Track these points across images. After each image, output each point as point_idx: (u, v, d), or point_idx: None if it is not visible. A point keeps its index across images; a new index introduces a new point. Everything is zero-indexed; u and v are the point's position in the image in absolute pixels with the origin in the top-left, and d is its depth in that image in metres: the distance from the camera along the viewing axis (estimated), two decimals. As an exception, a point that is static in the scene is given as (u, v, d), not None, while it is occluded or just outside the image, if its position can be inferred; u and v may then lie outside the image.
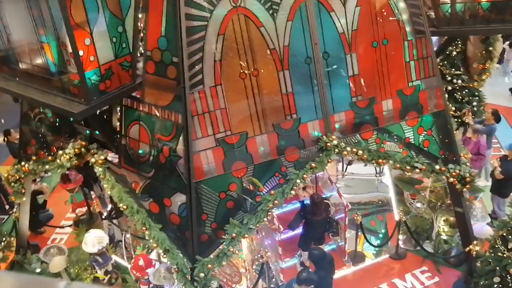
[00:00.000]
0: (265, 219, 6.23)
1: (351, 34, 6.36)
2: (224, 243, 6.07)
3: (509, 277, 6.52)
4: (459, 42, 10.06)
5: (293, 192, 6.32)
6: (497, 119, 9.76)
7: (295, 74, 6.19)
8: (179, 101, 5.81)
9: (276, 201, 6.19)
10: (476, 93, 10.72)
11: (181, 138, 5.90)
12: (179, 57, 5.67)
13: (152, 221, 6.29)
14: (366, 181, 10.11)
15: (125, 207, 6.44)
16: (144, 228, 6.27)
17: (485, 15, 7.14)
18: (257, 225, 6.19)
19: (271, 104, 6.19)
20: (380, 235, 9.24)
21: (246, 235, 6.19)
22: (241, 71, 5.95)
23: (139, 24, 6.32)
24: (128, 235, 8.52)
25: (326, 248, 8.31)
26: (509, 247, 6.52)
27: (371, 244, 8.51)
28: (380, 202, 9.86)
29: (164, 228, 6.27)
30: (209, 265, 5.97)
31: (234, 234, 6.03)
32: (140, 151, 6.54)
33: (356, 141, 6.75)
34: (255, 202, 6.21)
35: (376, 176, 10.07)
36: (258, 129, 6.17)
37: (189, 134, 5.74)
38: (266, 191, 6.27)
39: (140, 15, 6.26)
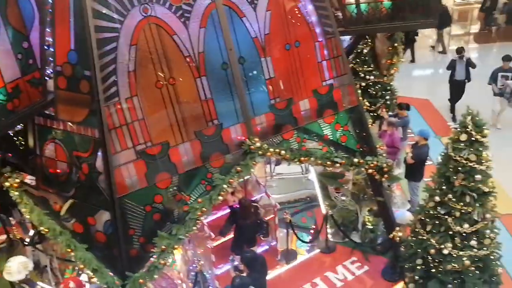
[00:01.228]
0: (194, 227, 6.19)
1: (264, 38, 6.50)
2: (154, 256, 5.96)
3: (430, 258, 6.96)
4: (368, 40, 10.60)
5: (220, 198, 6.33)
6: (407, 109, 10.40)
7: (212, 80, 6.22)
8: (94, 115, 5.63)
9: (204, 209, 6.17)
10: (388, 88, 11.36)
11: (99, 153, 5.73)
12: (91, 70, 5.50)
13: (77, 241, 6.05)
14: (294, 180, 10.37)
15: (46, 230, 6.14)
16: (69, 250, 6.02)
17: (388, 14, 7.60)
18: (187, 234, 6.15)
19: (191, 111, 6.17)
20: (311, 231, 9.49)
21: (176, 246, 6.12)
22: (157, 80, 5.89)
23: (46, 38, 6.07)
24: (54, 259, 8.13)
25: (259, 249, 8.42)
26: (427, 229, 6.96)
27: (302, 240, 8.73)
28: (308, 198, 10.14)
29: (91, 247, 6.03)
30: (141, 280, 5.83)
31: (163, 246, 5.93)
32: (58, 171, 6.27)
33: (279, 141, 6.90)
34: (182, 212, 6.16)
35: (302, 174, 10.37)
36: (180, 138, 6.11)
37: (107, 148, 5.58)
38: (193, 199, 6.25)
39: (48, 29, 6.03)
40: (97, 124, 5.61)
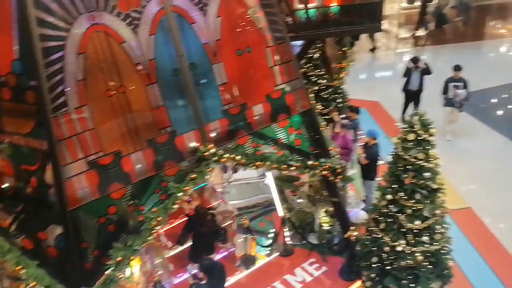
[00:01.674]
0: (150, 238, 6.10)
1: (215, 44, 6.51)
2: (110, 268, 5.82)
3: (385, 255, 7.15)
4: (318, 45, 10.79)
5: (176, 206, 6.26)
6: (356, 112, 10.66)
7: (164, 87, 6.16)
8: (42, 126, 5.44)
9: (159, 218, 6.08)
10: (340, 91, 11.61)
11: (49, 165, 5.55)
12: (37, 80, 5.33)
13: (27, 258, 5.82)
14: (252, 184, 10.37)
15: (-7, 248, 5.87)
16: (19, 267, 5.78)
17: (336, 19, 7.79)
18: (143, 245, 6.05)
19: (143, 119, 6.09)
20: (270, 235, 9.53)
21: (132, 257, 6.00)
22: (107, 89, 5.78)
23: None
24: (5, 279, 7.77)
25: (218, 256, 8.38)
26: (381, 228, 7.14)
27: (260, 245, 8.75)
28: (266, 203, 10.17)
29: (43, 263, 5.82)
30: (96, 294, 5.69)
31: (119, 258, 5.81)
32: (5, 185, 6.02)
33: (234, 147, 6.91)
34: (137, 222, 6.05)
35: (259, 178, 10.40)
36: (132, 147, 6.01)
37: (57, 160, 5.42)
38: (148, 208, 6.16)
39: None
40: (45, 136, 5.43)
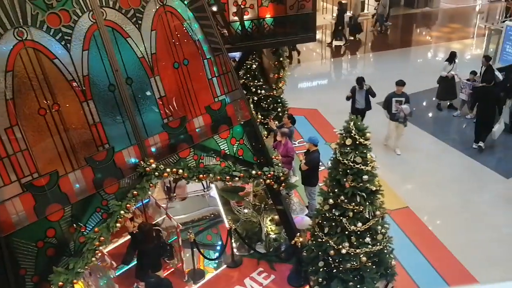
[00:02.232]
0: (93, 259, 5.91)
1: (151, 58, 6.45)
2: (51, 294, 5.57)
3: (330, 259, 7.30)
4: (256, 56, 10.96)
5: (119, 225, 6.11)
6: (293, 122, 10.86)
7: (100, 103, 6.02)
8: (-31, 149, 5.16)
9: (102, 238, 5.92)
10: (279, 100, 11.82)
11: (-22, 190, 5.25)
12: (-39, 101, 5.05)
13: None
14: (196, 198, 10.29)
15: None
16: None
17: (270, 30, 7.95)
18: (86, 267, 5.84)
19: (80, 137, 5.91)
20: (218, 248, 9.48)
21: (75, 281, 5.77)
22: (40, 107, 5.56)
23: None
24: None
25: (165, 273, 8.22)
26: (325, 232, 7.29)
27: (207, 258, 8.68)
28: (212, 215, 10.12)
29: (-25, 295, 5.48)
30: (37, 323, 5.41)
31: (60, 283, 5.58)
32: None
33: (175, 160, 6.84)
34: (79, 243, 5.84)
35: (204, 191, 10.33)
36: (70, 166, 5.82)
37: (-13, 184, 5.14)
38: (89, 229, 5.96)
39: None
40: (-28, 159, 5.15)
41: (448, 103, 15.04)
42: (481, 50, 18.86)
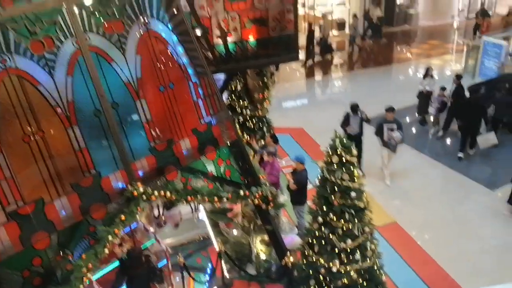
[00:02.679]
0: (81, 286, 5.79)
1: (137, 82, 6.46)
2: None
3: (321, 278, 7.26)
4: (240, 77, 11.03)
5: (107, 251, 6.02)
6: (275, 141, 10.88)
7: (85, 128, 5.99)
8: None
9: (90, 265, 5.81)
10: (265, 120, 11.88)
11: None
12: None
13: None
14: (185, 221, 10.21)
15: None
16: None
17: (253, 52, 8.05)
18: (73, 295, 5.73)
19: (65, 163, 5.86)
20: (208, 271, 9.37)
21: (62, 310, 5.66)
22: (24, 134, 5.52)
23: None
24: None
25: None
26: (315, 251, 7.27)
27: (197, 281, 8.58)
28: (202, 238, 10.03)
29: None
30: None
31: (48, 313, 5.46)
32: None
33: (163, 183, 6.80)
34: (66, 271, 5.74)
35: (192, 214, 10.26)
36: (55, 193, 5.76)
37: (-29, 214, 5.05)
38: (77, 256, 5.86)
39: None
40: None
41: (420, 118, 15.29)
42: (460, 65, 19.26)
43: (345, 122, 12.05)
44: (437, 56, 21.25)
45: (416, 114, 15.38)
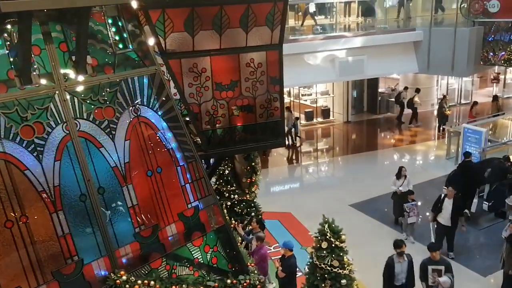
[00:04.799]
0: None
1: (124, 167, 6.48)
2: None
3: None
4: (228, 161, 11.15)
5: None
6: (262, 227, 10.74)
7: (70, 213, 5.90)
8: None
9: None
10: (253, 204, 11.83)
11: None
12: None
13: None
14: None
15: None
16: None
17: (241, 136, 8.22)
18: None
19: (47, 250, 5.69)
20: None
21: None
22: (7, 219, 5.40)
23: None
24: None
25: None
26: None
27: None
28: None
29: None
30: None
31: None
32: None
33: (147, 271, 6.58)
34: None
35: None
36: (35, 281, 5.53)
37: None
38: None
39: None
40: None
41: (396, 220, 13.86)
42: (443, 151, 19.73)
43: (388, 270, 9.38)
44: (420, 142, 21.81)
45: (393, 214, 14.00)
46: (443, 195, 12.11)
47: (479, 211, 14.03)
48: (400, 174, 13.55)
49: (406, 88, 23.81)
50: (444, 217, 11.89)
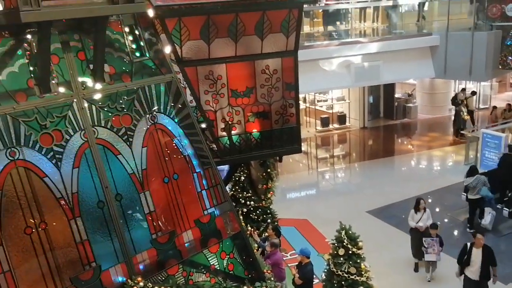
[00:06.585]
0: None
1: (142, 174, 6.52)
2: None
3: None
4: (244, 168, 11.17)
5: None
6: (278, 234, 10.70)
7: (88, 220, 5.95)
8: None
9: None
10: (269, 211, 11.82)
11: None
12: None
13: None
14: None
15: None
16: None
17: (257, 143, 8.23)
18: None
19: (66, 256, 5.74)
20: None
21: None
22: (26, 226, 5.47)
23: None
24: None
25: None
26: None
27: None
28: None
29: None
30: None
31: None
32: None
33: (164, 278, 6.60)
34: None
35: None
36: (54, 287, 5.58)
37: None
38: None
39: None
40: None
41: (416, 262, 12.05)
42: (461, 156, 19.47)
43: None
44: (438, 148, 21.56)
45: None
46: (469, 244, 10.03)
47: (495, 223, 13.67)
48: (418, 206, 11.62)
49: (463, 90, 22.92)
50: (474, 271, 9.92)
